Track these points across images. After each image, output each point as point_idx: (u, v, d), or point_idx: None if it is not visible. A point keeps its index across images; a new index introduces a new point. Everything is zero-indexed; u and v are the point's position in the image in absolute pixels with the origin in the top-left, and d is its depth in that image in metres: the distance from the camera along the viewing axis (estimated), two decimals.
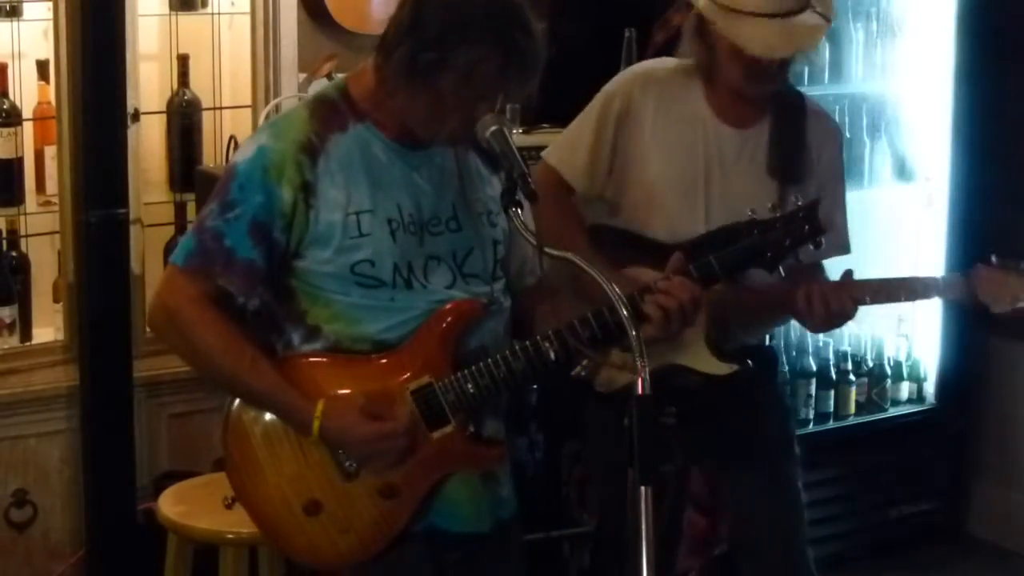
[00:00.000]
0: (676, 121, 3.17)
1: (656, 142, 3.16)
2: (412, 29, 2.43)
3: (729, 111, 3.18)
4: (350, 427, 2.51)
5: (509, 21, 2.42)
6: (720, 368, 3.09)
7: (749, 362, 3.10)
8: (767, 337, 3.36)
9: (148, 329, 3.97)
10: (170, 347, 2.63)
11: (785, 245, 2.77)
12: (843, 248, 3.24)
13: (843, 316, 3.07)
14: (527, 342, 2.57)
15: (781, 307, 3.15)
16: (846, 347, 4.71)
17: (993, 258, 3.04)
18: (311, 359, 2.57)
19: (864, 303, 3.07)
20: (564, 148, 3.24)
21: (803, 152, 3.18)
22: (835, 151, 3.29)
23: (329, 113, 2.56)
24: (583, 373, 3.00)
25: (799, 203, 2.80)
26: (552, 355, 2.56)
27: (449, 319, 2.55)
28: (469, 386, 2.54)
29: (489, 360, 2.55)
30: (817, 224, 2.76)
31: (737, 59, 3.07)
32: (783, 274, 2.89)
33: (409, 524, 2.58)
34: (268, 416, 2.58)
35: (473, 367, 2.55)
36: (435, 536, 2.60)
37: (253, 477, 2.60)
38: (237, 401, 2.62)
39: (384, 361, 2.55)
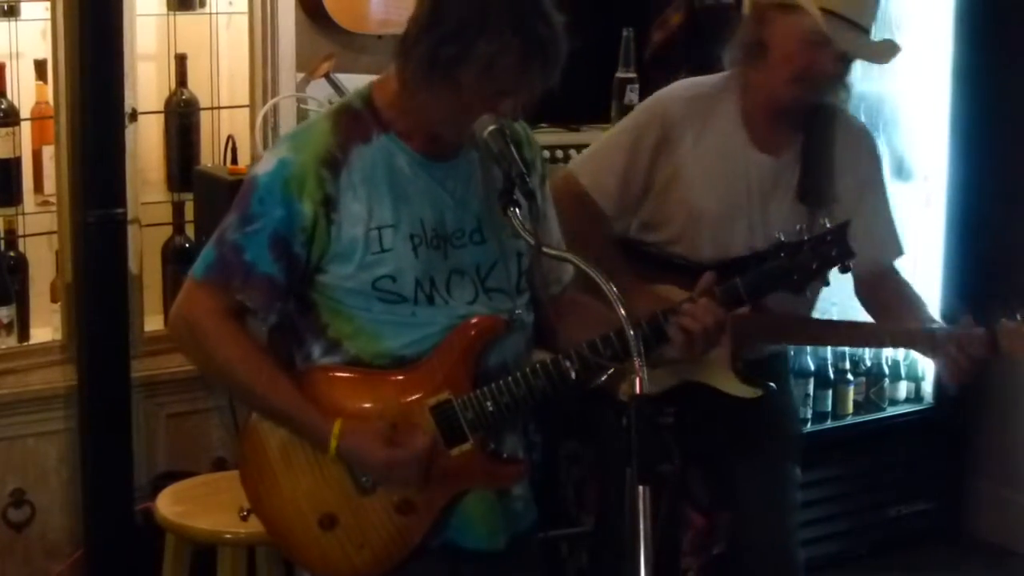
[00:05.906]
0: (715, 152, 3.17)
1: (697, 170, 3.17)
2: (431, 24, 2.39)
3: (764, 137, 3.19)
4: (368, 451, 2.49)
5: (529, 11, 2.37)
6: (744, 391, 3.09)
7: (772, 385, 3.11)
8: None
9: (146, 329, 4.00)
10: (190, 359, 2.62)
11: (812, 268, 2.74)
12: (896, 251, 3.26)
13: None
14: (548, 360, 2.54)
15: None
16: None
17: (1018, 315, 2.98)
18: (331, 373, 2.54)
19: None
20: (594, 169, 3.23)
21: (831, 178, 3.19)
22: (869, 162, 3.28)
23: (352, 124, 2.51)
24: (603, 380, 2.99)
25: (827, 225, 2.78)
26: (573, 374, 2.53)
27: (470, 335, 2.53)
28: (488, 404, 2.51)
29: (509, 378, 2.52)
30: (845, 246, 2.74)
31: (791, 59, 3.05)
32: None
33: (425, 540, 2.56)
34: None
35: (493, 384, 2.52)
36: (450, 551, 2.59)
37: (268, 488, 2.59)
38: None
39: (403, 377, 2.53)
